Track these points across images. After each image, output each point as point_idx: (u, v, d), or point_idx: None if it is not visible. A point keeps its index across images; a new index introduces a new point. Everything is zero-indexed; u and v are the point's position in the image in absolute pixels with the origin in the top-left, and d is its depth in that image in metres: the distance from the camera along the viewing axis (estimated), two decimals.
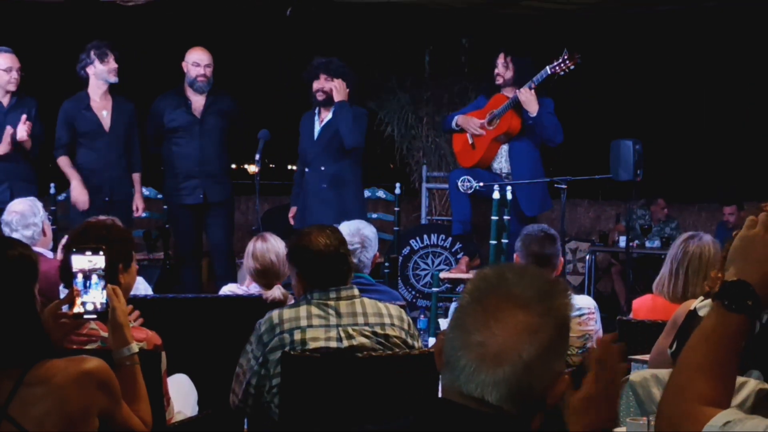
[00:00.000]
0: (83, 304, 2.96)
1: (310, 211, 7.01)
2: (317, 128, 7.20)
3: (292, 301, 4.43)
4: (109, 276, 3.17)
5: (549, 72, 6.81)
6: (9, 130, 6.91)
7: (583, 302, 4.63)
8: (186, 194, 7.25)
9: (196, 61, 7.23)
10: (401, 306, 4.08)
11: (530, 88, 6.85)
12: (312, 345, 3.45)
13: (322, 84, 7.09)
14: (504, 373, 1.69)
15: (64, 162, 7.13)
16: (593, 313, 4.61)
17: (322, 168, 7.11)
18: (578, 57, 6.74)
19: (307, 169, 7.21)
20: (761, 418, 1.79)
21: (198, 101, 7.27)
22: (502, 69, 7.07)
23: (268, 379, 3.48)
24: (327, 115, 7.17)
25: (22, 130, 6.90)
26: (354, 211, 6.79)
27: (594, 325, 4.60)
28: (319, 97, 7.11)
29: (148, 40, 10.33)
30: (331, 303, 3.53)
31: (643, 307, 4.51)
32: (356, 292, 3.60)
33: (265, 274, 4.72)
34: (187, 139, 7.25)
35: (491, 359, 1.70)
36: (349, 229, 4.57)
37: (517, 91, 6.88)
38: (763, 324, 3.20)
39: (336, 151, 7.10)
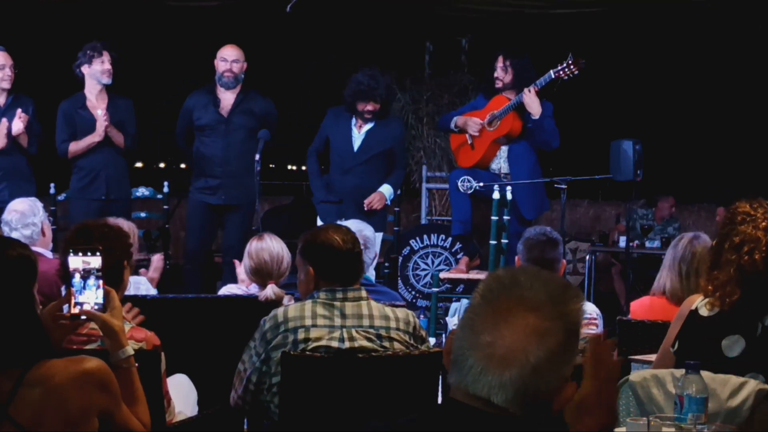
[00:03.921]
0: (79, 304, 2.95)
1: (346, 215, 6.96)
2: (356, 136, 7.17)
3: (288, 301, 4.44)
4: (114, 275, 3.17)
5: (553, 76, 6.77)
6: (4, 122, 6.90)
7: (586, 308, 4.63)
8: (208, 193, 7.22)
9: (224, 57, 7.17)
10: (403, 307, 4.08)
11: (533, 91, 6.81)
12: (314, 345, 3.46)
13: (372, 107, 7.04)
14: (511, 374, 1.69)
15: (72, 147, 7.10)
16: (595, 319, 4.62)
17: (362, 177, 7.14)
18: (583, 62, 6.70)
19: (346, 176, 7.17)
20: None
21: (227, 99, 7.20)
22: (501, 72, 7.03)
23: (268, 377, 3.48)
24: (366, 124, 7.16)
25: (18, 124, 6.90)
26: (380, 217, 7.11)
27: (594, 330, 4.60)
28: (367, 116, 7.09)
29: (148, 39, 10.32)
30: (337, 304, 3.52)
31: (641, 308, 4.51)
32: (363, 293, 3.59)
33: (259, 273, 4.74)
34: (212, 138, 7.19)
35: (499, 360, 1.70)
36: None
37: (526, 90, 6.81)
38: (765, 327, 3.21)
39: (376, 162, 7.14)
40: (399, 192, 8.12)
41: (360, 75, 7.08)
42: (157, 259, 6.01)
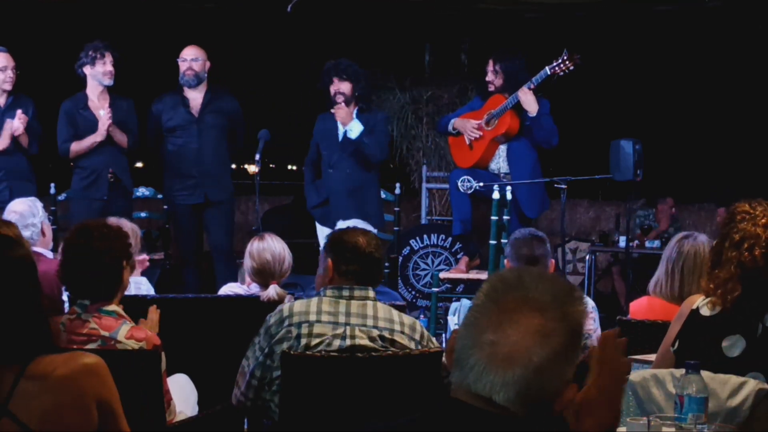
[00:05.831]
0: None
1: (336, 212, 6.98)
2: (340, 130, 7.20)
3: (288, 301, 4.45)
4: (114, 275, 3.17)
5: (548, 72, 6.78)
6: (9, 122, 6.92)
7: None
8: (185, 194, 7.25)
9: (184, 57, 7.27)
10: (401, 306, 4.09)
11: (529, 89, 6.82)
12: (316, 341, 3.47)
13: (337, 86, 7.12)
14: (514, 374, 1.70)
15: (74, 147, 7.10)
16: (591, 312, 4.64)
17: (348, 171, 7.17)
18: (578, 57, 6.70)
19: (331, 171, 7.23)
20: None
21: (196, 99, 7.26)
22: (492, 76, 7.05)
23: (270, 371, 3.49)
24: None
25: (17, 123, 6.90)
26: (375, 214, 7.07)
27: (593, 325, 4.63)
28: (339, 99, 7.13)
29: (148, 39, 10.33)
30: (343, 301, 3.55)
31: (640, 309, 4.52)
32: (371, 294, 3.61)
33: (261, 273, 4.75)
34: (184, 138, 7.23)
35: (502, 359, 1.70)
36: None
37: (522, 88, 6.81)
38: (765, 327, 3.21)
39: (360, 155, 7.15)
40: (398, 192, 8.15)
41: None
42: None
